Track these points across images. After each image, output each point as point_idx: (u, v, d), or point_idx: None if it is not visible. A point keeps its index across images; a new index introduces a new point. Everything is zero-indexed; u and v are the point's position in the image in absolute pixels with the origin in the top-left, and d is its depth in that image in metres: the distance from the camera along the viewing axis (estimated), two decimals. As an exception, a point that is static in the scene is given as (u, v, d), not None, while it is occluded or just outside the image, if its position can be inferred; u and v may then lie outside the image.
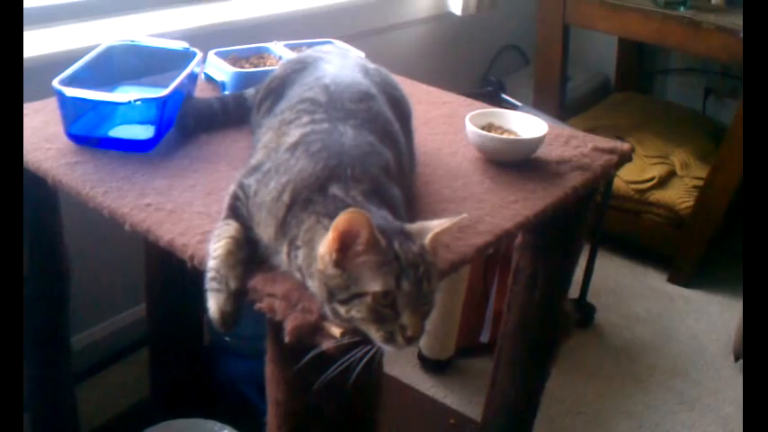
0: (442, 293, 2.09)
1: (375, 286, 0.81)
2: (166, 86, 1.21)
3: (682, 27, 2.45)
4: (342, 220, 0.80)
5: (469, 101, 1.56)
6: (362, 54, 1.52)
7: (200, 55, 1.38)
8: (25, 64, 1.47)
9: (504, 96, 2.48)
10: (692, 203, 2.61)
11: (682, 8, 2.49)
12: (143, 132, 1.24)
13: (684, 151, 2.83)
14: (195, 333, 1.83)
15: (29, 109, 1.34)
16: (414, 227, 0.87)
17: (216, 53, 1.55)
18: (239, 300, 0.90)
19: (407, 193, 1.05)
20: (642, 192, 2.70)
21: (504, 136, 1.31)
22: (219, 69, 1.50)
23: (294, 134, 0.99)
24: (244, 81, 1.44)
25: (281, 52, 1.58)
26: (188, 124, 1.30)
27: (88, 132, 1.24)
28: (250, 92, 1.33)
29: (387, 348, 0.83)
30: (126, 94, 1.28)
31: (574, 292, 2.10)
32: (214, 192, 1.11)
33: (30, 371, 1.51)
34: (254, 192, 0.95)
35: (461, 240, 1.05)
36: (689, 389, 2.23)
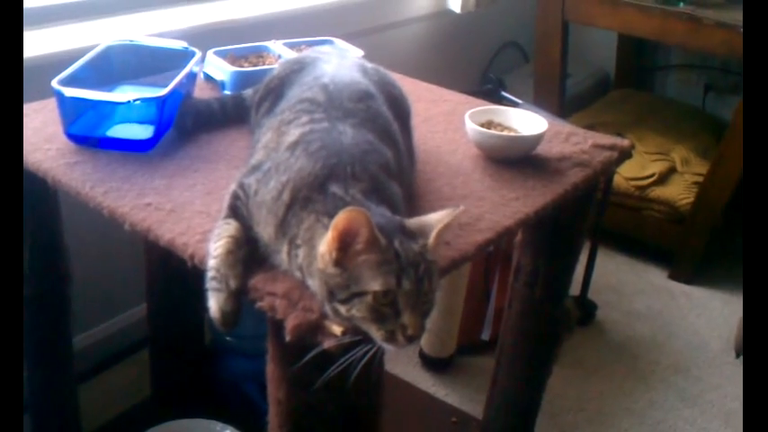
0: (442, 291, 2.09)
1: (375, 285, 0.81)
2: (165, 86, 1.21)
3: (681, 23, 2.45)
4: (341, 218, 0.80)
5: (469, 98, 1.56)
6: (362, 53, 1.52)
7: (198, 54, 1.38)
8: (24, 64, 1.47)
9: (503, 94, 2.49)
10: (692, 200, 2.61)
11: (681, 4, 2.49)
12: (142, 132, 1.24)
13: (684, 147, 2.83)
14: (196, 333, 1.83)
15: (28, 109, 1.34)
16: (413, 222, 0.87)
17: (215, 52, 1.54)
18: (240, 299, 0.90)
19: (407, 191, 1.05)
20: (642, 188, 2.69)
21: (504, 133, 1.31)
22: (218, 68, 1.50)
23: (294, 133, 0.99)
24: (243, 80, 1.43)
25: (279, 51, 1.57)
26: (186, 124, 1.30)
27: (87, 132, 1.24)
28: (248, 92, 1.33)
29: (387, 347, 0.83)
30: (125, 93, 1.28)
31: (575, 289, 2.10)
32: (214, 191, 1.11)
33: (31, 371, 1.51)
34: (255, 191, 0.95)
35: (462, 238, 1.05)
36: (691, 385, 2.22)
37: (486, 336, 2.22)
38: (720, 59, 3.11)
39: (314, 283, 0.86)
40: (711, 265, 2.74)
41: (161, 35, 1.55)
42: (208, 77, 1.52)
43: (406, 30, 2.70)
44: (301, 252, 0.88)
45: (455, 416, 1.96)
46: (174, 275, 1.66)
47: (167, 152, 1.24)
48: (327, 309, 0.84)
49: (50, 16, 1.74)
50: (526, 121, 1.34)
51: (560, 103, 2.89)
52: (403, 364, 2.18)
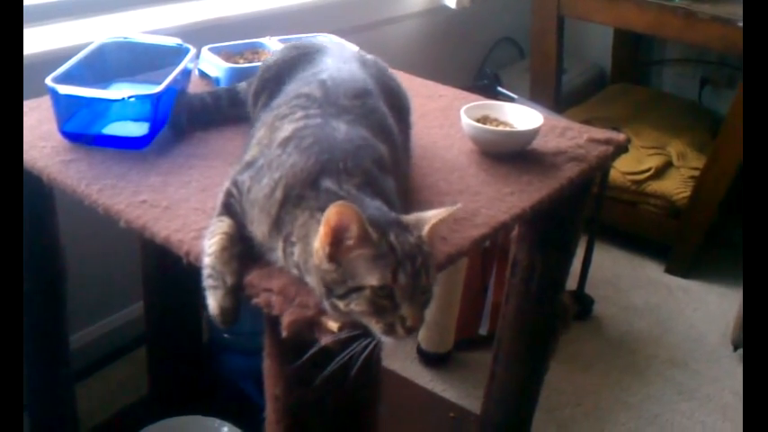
0: (440, 286, 2.09)
1: (372, 280, 0.81)
2: (160, 83, 1.21)
3: (677, 17, 2.45)
4: (331, 213, 0.80)
5: (465, 94, 1.56)
6: (356, 48, 1.52)
7: (193, 51, 1.37)
8: (18, 62, 1.47)
9: (499, 89, 2.48)
10: (688, 194, 2.61)
11: (677, -2, 2.49)
12: (137, 129, 1.24)
13: (681, 142, 2.83)
14: (193, 330, 1.83)
15: (23, 107, 1.33)
16: (410, 218, 0.87)
17: (209, 49, 1.54)
18: (238, 295, 0.90)
19: (403, 184, 1.05)
20: (639, 182, 2.69)
21: (500, 128, 1.31)
22: (213, 65, 1.49)
23: (287, 129, 0.98)
24: (238, 76, 1.43)
25: (274, 47, 1.57)
26: (181, 122, 1.29)
27: (82, 130, 1.24)
28: (242, 85, 1.33)
29: (386, 340, 0.83)
30: (120, 90, 1.27)
31: (572, 283, 2.09)
32: (209, 188, 1.11)
33: (28, 369, 1.50)
34: (248, 188, 0.94)
35: (458, 233, 1.05)
36: (688, 379, 2.23)
37: (483, 331, 2.22)
38: (717, 53, 3.11)
39: (312, 280, 0.86)
40: (708, 259, 2.75)
41: (155, 32, 1.55)
42: (203, 74, 1.52)
43: (401, 25, 2.70)
44: (297, 249, 0.87)
45: (453, 411, 1.96)
46: (170, 273, 1.66)
47: (162, 149, 1.24)
48: (326, 304, 0.84)
49: (44, 14, 1.74)
50: (522, 116, 1.34)
51: (556, 98, 2.89)
52: (401, 360, 2.18)
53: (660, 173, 2.71)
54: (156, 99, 1.20)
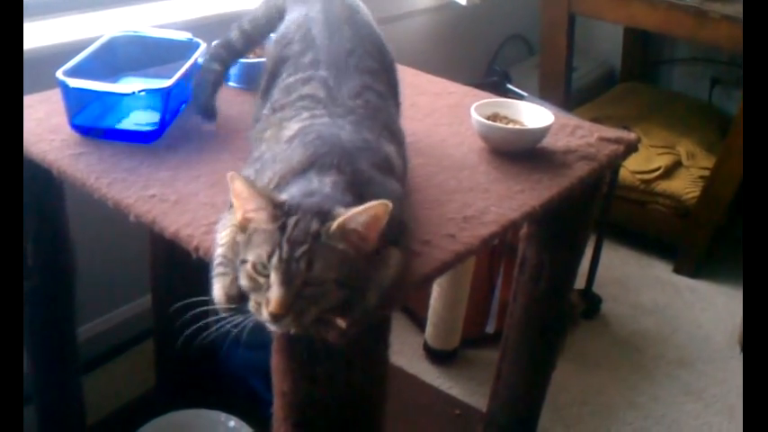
0: (447, 283, 2.10)
1: (250, 255, 0.82)
2: (170, 77, 1.21)
3: (688, 16, 2.44)
4: (232, 183, 0.83)
5: (474, 91, 1.55)
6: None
7: (203, 45, 1.38)
8: (29, 55, 1.47)
9: (509, 86, 2.48)
10: (697, 194, 2.60)
11: (688, -3, 2.48)
12: (147, 123, 1.24)
13: (690, 141, 2.82)
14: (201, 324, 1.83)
15: (33, 100, 1.33)
16: (343, 212, 0.84)
17: (220, 43, 1.54)
18: None
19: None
20: (648, 182, 2.69)
21: (510, 126, 1.31)
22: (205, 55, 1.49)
23: (293, 128, 0.99)
24: (247, 71, 1.43)
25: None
26: (210, 106, 1.28)
27: (92, 123, 1.24)
28: (233, 34, 1.31)
29: (257, 319, 0.84)
30: (130, 84, 1.27)
31: (580, 282, 2.09)
32: (218, 182, 1.11)
33: (36, 362, 1.51)
34: (255, 178, 0.95)
35: (467, 231, 1.05)
36: (695, 379, 2.22)
37: (490, 328, 2.22)
38: (727, 53, 3.09)
39: None
40: (716, 260, 2.74)
41: (165, 26, 1.54)
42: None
43: (411, 22, 2.69)
44: None
45: (459, 408, 1.96)
46: (178, 266, 1.66)
47: (172, 143, 1.24)
48: None
49: (55, 7, 1.74)
50: (532, 114, 1.33)
51: (566, 96, 2.88)
52: (407, 357, 2.18)
53: (669, 172, 2.70)
54: (166, 93, 1.20)
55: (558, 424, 2.01)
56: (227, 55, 1.32)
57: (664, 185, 2.67)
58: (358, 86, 1.06)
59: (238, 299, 0.90)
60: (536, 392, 1.63)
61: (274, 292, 0.81)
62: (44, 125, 1.25)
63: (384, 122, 1.05)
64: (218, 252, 0.92)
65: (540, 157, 1.29)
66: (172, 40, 1.40)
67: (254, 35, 1.32)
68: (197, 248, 0.97)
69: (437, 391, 2.05)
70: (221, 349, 1.90)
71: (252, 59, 1.49)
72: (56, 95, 1.26)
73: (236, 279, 0.89)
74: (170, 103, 1.23)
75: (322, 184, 0.88)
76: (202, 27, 1.65)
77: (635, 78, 3.35)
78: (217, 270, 0.91)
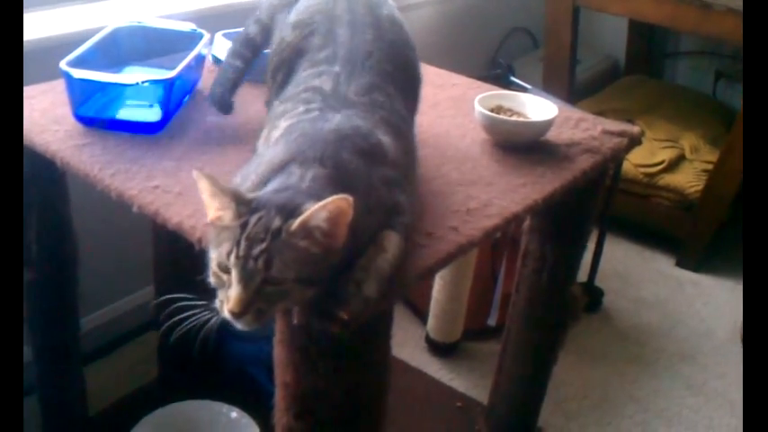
0: (449, 276, 2.10)
1: (214, 253, 0.83)
2: (174, 68, 1.21)
3: (693, 9, 2.43)
4: (199, 180, 0.84)
5: (478, 83, 1.55)
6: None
7: (207, 36, 1.37)
8: (33, 45, 1.47)
9: (513, 79, 2.47)
10: (701, 187, 2.60)
11: (693, -10, 2.47)
12: (151, 114, 1.24)
13: (694, 135, 2.81)
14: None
15: (36, 90, 1.33)
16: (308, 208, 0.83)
17: (223, 34, 1.54)
18: None
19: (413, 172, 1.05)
20: (651, 175, 2.68)
21: (514, 118, 1.31)
22: (227, 50, 1.49)
23: (281, 127, 0.99)
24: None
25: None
26: (226, 100, 1.27)
27: (96, 114, 1.24)
28: (252, 29, 1.29)
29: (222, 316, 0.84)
30: (133, 75, 1.27)
31: (582, 275, 2.09)
32: (222, 175, 1.11)
33: (38, 353, 1.52)
34: (238, 184, 0.94)
35: (470, 223, 1.05)
36: (696, 373, 2.22)
37: (492, 321, 2.22)
38: (732, 46, 3.08)
39: None
40: (719, 254, 2.73)
41: (169, 17, 1.54)
42: (216, 60, 1.51)
43: (415, 13, 2.68)
44: None
45: (460, 400, 1.96)
46: (181, 258, 1.66)
47: (176, 134, 1.24)
48: None
49: (59, -3, 1.74)
50: (536, 107, 1.33)
51: (570, 89, 2.87)
52: (409, 349, 2.18)
53: (673, 166, 2.70)
54: (169, 84, 1.20)
55: (558, 416, 2.02)
56: (249, 52, 1.30)
57: (667, 179, 2.67)
58: (368, 85, 1.05)
59: None
60: (537, 385, 1.63)
61: (233, 291, 0.81)
62: (48, 116, 1.25)
63: (385, 119, 1.02)
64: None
65: (544, 150, 1.28)
66: (175, 31, 1.40)
67: (273, 26, 1.28)
68: (200, 240, 0.97)
69: (439, 384, 2.06)
70: (223, 341, 1.91)
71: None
72: (60, 86, 1.25)
73: None
74: (173, 94, 1.23)
75: (302, 179, 0.86)
76: (206, 18, 1.65)
77: (639, 71, 3.34)
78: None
